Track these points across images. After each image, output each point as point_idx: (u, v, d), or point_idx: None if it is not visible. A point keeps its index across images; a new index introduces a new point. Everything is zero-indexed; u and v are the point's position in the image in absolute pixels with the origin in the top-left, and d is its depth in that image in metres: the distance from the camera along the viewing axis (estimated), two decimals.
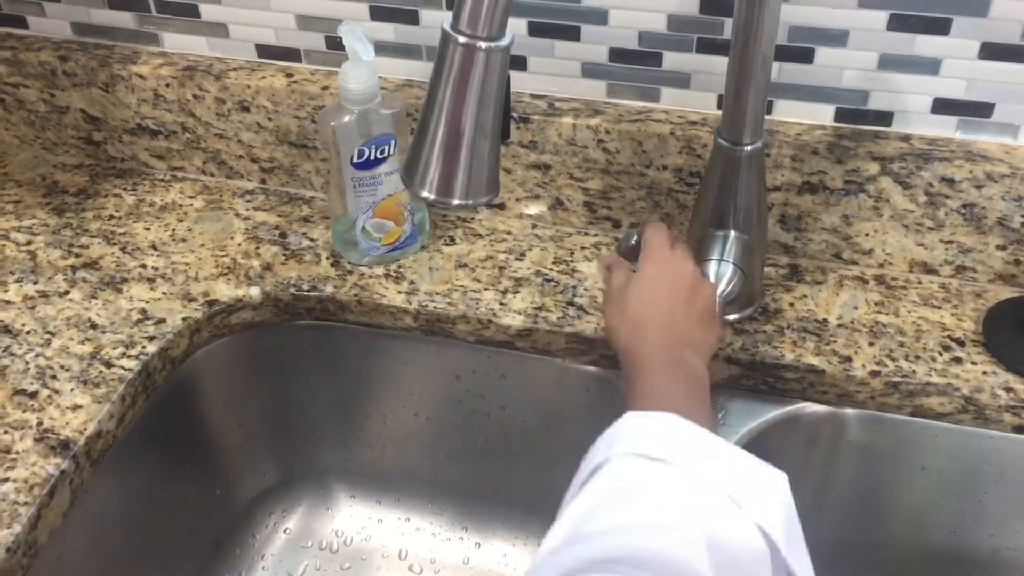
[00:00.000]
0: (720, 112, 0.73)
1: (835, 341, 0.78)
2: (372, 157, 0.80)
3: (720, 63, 0.80)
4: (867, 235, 0.83)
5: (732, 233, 0.74)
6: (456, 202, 0.57)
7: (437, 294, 0.83)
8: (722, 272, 0.73)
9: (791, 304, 0.82)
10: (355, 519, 0.97)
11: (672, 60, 0.81)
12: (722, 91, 0.74)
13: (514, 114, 0.84)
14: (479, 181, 0.57)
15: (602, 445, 0.57)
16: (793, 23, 0.77)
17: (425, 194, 0.56)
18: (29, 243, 0.90)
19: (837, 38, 0.77)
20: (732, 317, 0.80)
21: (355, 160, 0.80)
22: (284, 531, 0.96)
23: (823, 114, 0.81)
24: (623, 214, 0.87)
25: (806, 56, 0.78)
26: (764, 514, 0.52)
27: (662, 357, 0.63)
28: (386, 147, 0.80)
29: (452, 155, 0.55)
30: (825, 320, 0.80)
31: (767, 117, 0.82)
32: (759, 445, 0.77)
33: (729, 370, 0.78)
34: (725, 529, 0.50)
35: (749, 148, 0.71)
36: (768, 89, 0.70)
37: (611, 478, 0.54)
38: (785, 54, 0.78)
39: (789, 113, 0.82)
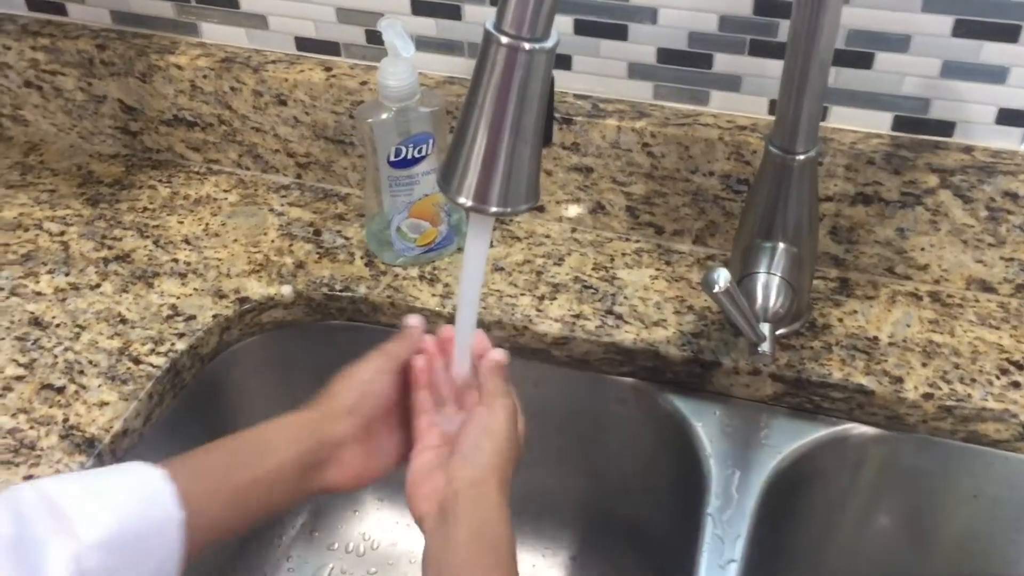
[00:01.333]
0: (772, 117, 0.70)
1: (886, 360, 0.75)
2: (409, 156, 0.77)
3: (773, 66, 0.77)
4: (923, 250, 0.80)
5: (781, 245, 0.71)
6: (494, 210, 0.54)
7: None
8: (769, 286, 0.70)
9: (840, 320, 0.78)
10: (383, 523, 0.95)
11: (723, 62, 0.78)
12: (774, 95, 0.71)
13: (557, 115, 0.81)
14: (518, 188, 0.54)
15: None
16: (852, 26, 0.73)
17: (462, 200, 0.54)
18: (62, 234, 0.89)
19: (898, 43, 0.73)
20: (778, 332, 0.76)
21: (392, 159, 0.77)
22: (311, 532, 0.94)
23: (881, 122, 0.77)
24: (667, 220, 0.85)
25: (865, 61, 0.75)
26: None
27: (504, 493, 0.61)
28: (424, 146, 0.77)
29: (491, 161, 0.53)
30: (876, 337, 0.77)
31: (821, 124, 0.78)
32: (802, 467, 0.74)
33: (773, 387, 0.75)
34: None
35: (802, 157, 0.68)
36: (824, 93, 0.66)
37: None
38: (843, 59, 0.75)
39: (845, 120, 0.78)
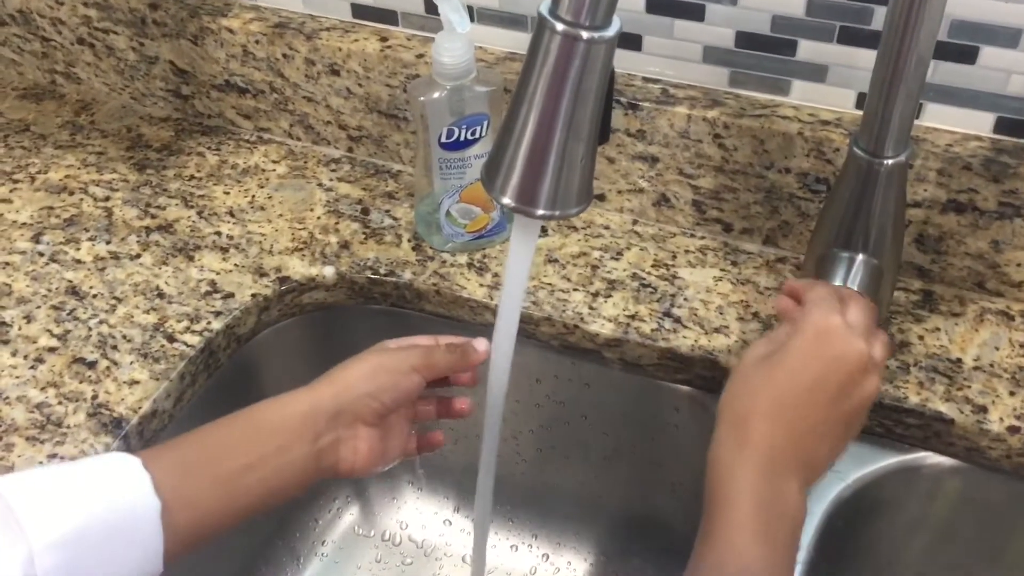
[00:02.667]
0: (858, 112, 0.63)
1: (969, 386, 0.68)
2: (462, 138, 0.73)
3: (864, 56, 0.70)
4: (1019, 265, 0.72)
5: (860, 256, 0.65)
6: (540, 212, 0.49)
7: None
8: None
9: (920, 337, 0.72)
10: (421, 514, 0.92)
11: (808, 49, 0.71)
12: (863, 87, 0.64)
13: (623, 99, 0.75)
14: (568, 190, 0.49)
15: None
16: (957, 16, 0.66)
17: (506, 200, 0.49)
18: (107, 199, 0.86)
19: (1007, 37, 0.66)
20: None
21: (443, 140, 0.73)
22: (347, 518, 0.92)
23: (981, 123, 0.70)
24: (735, 218, 0.78)
25: (968, 56, 0.67)
26: None
27: (760, 491, 0.51)
28: (478, 128, 0.73)
29: (539, 159, 0.48)
30: (959, 360, 0.70)
31: (914, 123, 0.71)
32: (868, 495, 0.68)
33: None
34: None
35: (890, 162, 0.61)
36: (920, 95, 0.60)
37: None
38: (943, 52, 0.67)
39: (941, 120, 0.71)
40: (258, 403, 0.58)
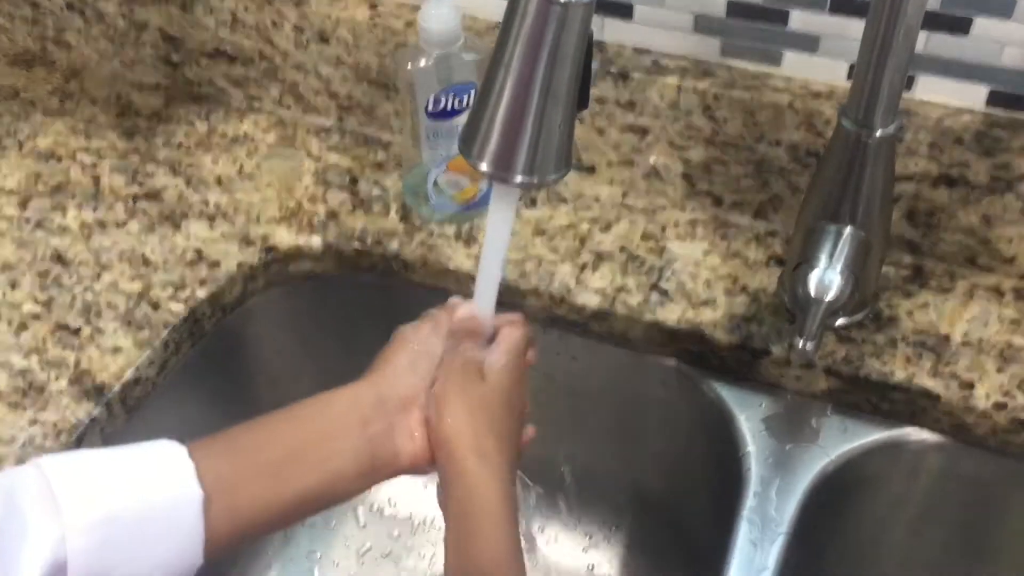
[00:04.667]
0: (850, 84, 0.62)
1: (956, 362, 0.68)
2: (450, 106, 0.72)
3: (857, 27, 0.68)
4: (1010, 241, 0.72)
5: (848, 229, 0.64)
6: (518, 179, 0.49)
7: (509, 262, 0.76)
8: (829, 278, 0.63)
9: (909, 313, 0.71)
10: (407, 487, 0.91)
11: (800, 19, 0.70)
12: (855, 59, 0.63)
13: (612, 69, 0.74)
14: (547, 156, 0.49)
15: None
16: None
17: (483, 167, 0.49)
18: (95, 166, 0.86)
19: (1000, 7, 0.64)
20: (838, 323, 0.70)
21: (431, 108, 0.72)
22: None
23: (974, 96, 0.69)
24: (725, 191, 0.78)
25: (961, 26, 0.66)
26: None
27: (511, 492, 0.53)
28: (466, 96, 0.72)
29: (516, 124, 0.47)
30: (947, 336, 0.70)
31: (905, 94, 0.70)
32: (852, 471, 0.68)
33: (827, 382, 0.69)
34: None
35: (879, 134, 0.61)
36: (909, 64, 0.59)
37: None
38: (936, 22, 0.66)
39: (933, 92, 0.70)
40: (298, 402, 0.56)
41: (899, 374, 0.67)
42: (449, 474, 0.53)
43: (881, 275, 0.71)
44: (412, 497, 0.91)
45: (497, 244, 0.54)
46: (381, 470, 0.55)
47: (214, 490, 0.49)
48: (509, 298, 0.75)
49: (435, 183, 0.76)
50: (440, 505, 0.54)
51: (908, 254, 0.75)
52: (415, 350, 0.57)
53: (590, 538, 0.88)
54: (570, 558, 0.87)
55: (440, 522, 0.89)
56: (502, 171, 0.48)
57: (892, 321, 0.71)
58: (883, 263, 0.70)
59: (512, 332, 0.58)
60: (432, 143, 0.74)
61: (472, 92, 0.72)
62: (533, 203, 0.81)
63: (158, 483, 0.48)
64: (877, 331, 0.70)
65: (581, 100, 0.48)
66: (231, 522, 0.50)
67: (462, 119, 0.72)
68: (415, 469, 0.56)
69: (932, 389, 0.66)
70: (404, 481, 0.91)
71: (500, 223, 0.53)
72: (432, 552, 0.89)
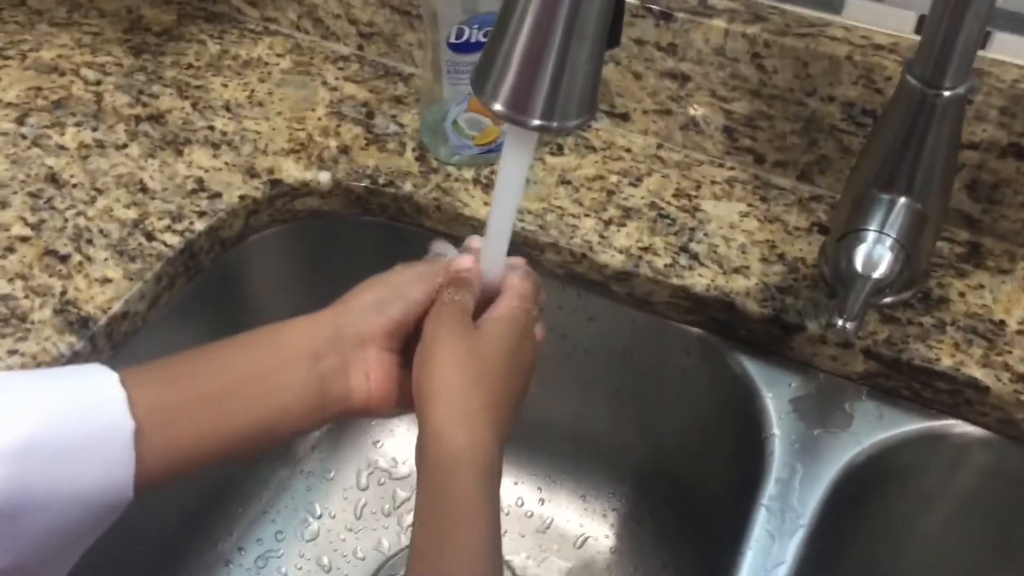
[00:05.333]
0: (918, 39, 0.56)
1: (1010, 352, 0.62)
2: (473, 39, 0.66)
3: None
4: None
5: (902, 200, 0.58)
6: (535, 122, 0.43)
7: (529, 212, 0.70)
8: (879, 253, 0.57)
9: (962, 294, 0.65)
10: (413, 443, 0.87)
11: None
12: (926, 10, 0.56)
13: (655, 7, 0.68)
14: (569, 98, 0.43)
15: None
16: None
17: (497, 107, 0.43)
18: (98, 83, 0.81)
19: None
20: (884, 300, 0.64)
21: (453, 40, 0.66)
22: (328, 437, 0.88)
23: None
24: (769, 148, 0.71)
25: None
26: None
27: (492, 473, 0.47)
28: (489, 30, 0.66)
29: (535, 60, 0.41)
30: (1002, 322, 0.64)
31: (978, 53, 0.63)
32: (885, 462, 0.62)
33: (865, 364, 0.63)
34: None
35: (948, 94, 0.54)
36: (989, 18, 0.52)
37: None
38: None
39: (1009, 51, 0.63)
40: (255, 329, 0.51)
41: (945, 360, 0.62)
42: (424, 438, 0.47)
43: (934, 251, 0.65)
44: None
45: (509, 194, 0.48)
46: (330, 408, 0.50)
47: (147, 422, 0.44)
48: (527, 251, 0.70)
49: (454, 122, 0.71)
50: (416, 463, 0.49)
51: (965, 229, 0.69)
52: (389, 289, 0.52)
53: (592, 508, 0.83)
54: (568, 526, 0.83)
55: None
56: (517, 112, 0.43)
57: (942, 302, 0.65)
58: (937, 238, 0.63)
59: (518, 282, 0.52)
60: (453, 78, 0.68)
61: None
62: (559, 149, 0.75)
63: (86, 412, 0.44)
64: (925, 312, 0.64)
65: (612, 37, 0.42)
66: (164, 456, 0.46)
67: None
68: (369, 411, 0.51)
69: (981, 379, 0.61)
70: (410, 437, 0.87)
71: (514, 171, 0.47)
72: None
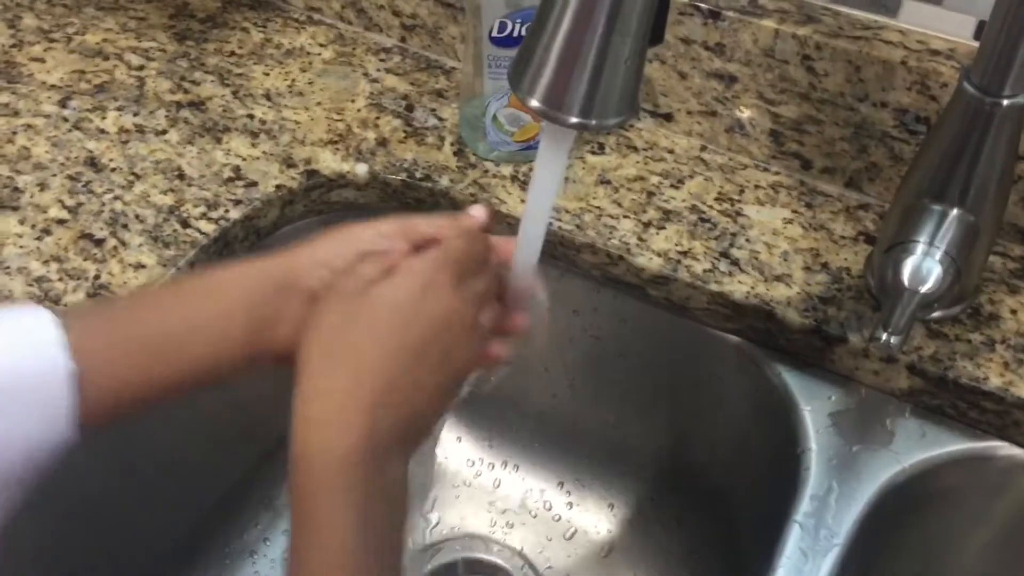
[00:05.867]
0: (976, 45, 0.53)
1: None
2: (516, 33, 0.65)
3: None
4: None
5: (954, 211, 0.56)
6: (573, 120, 0.42)
7: (567, 212, 0.69)
8: (928, 266, 0.54)
9: (1014, 311, 0.63)
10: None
11: None
12: (987, 16, 0.54)
13: (703, 4, 0.66)
14: (608, 96, 0.41)
15: None
16: None
17: (534, 103, 0.42)
18: (141, 68, 0.81)
19: None
20: (932, 315, 0.62)
21: (495, 34, 0.65)
22: None
23: None
24: (817, 154, 0.69)
25: None
26: None
27: (356, 472, 0.40)
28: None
29: (574, 55, 0.40)
30: None
31: None
32: (926, 483, 0.60)
33: (909, 381, 0.61)
34: None
35: (1007, 103, 0.52)
36: None
37: None
38: None
39: None
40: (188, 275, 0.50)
41: (994, 380, 0.59)
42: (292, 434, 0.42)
43: (986, 266, 0.62)
44: (443, 451, 0.86)
45: (544, 193, 0.47)
46: (262, 359, 0.47)
47: (87, 363, 0.44)
48: (564, 251, 0.69)
49: (494, 118, 0.69)
50: None
51: (1020, 244, 0.66)
52: (350, 243, 0.48)
53: (620, 513, 0.82)
54: (596, 530, 0.81)
55: (472, 481, 0.84)
56: (554, 109, 0.41)
57: (993, 319, 0.62)
58: (990, 252, 0.61)
59: (445, 235, 0.47)
60: (495, 73, 0.67)
61: None
62: (600, 148, 0.73)
63: (22, 352, 0.43)
64: (974, 329, 0.62)
65: (655, 34, 0.41)
66: (105, 399, 0.45)
67: None
68: (281, 359, 0.48)
69: None
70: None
71: (550, 169, 0.46)
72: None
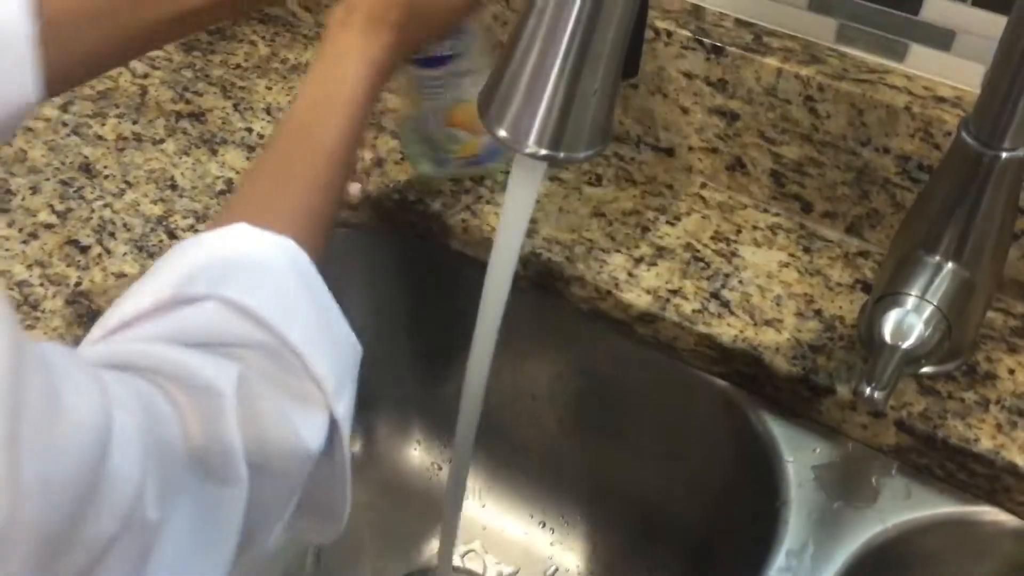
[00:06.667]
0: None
1: None
2: (436, 52, 0.63)
3: (1001, 24, 0.57)
4: None
5: (949, 265, 0.54)
6: (540, 152, 0.40)
7: (557, 243, 0.67)
8: (910, 321, 0.52)
9: (1011, 371, 0.60)
10: (421, 462, 0.85)
11: (936, 9, 0.59)
12: None
13: (705, 40, 0.65)
14: (578, 128, 0.40)
15: (204, 273, 0.41)
16: None
17: (501, 133, 0.41)
18: (145, 76, 0.81)
19: None
20: (925, 370, 0.59)
21: (417, 55, 0.62)
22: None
23: None
24: (817, 197, 0.67)
25: None
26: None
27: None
28: (456, 42, 0.62)
29: (541, 87, 0.39)
30: None
31: None
32: (908, 545, 0.58)
33: (897, 437, 0.59)
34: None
35: (1006, 156, 0.50)
36: None
37: (193, 321, 0.39)
38: None
39: None
40: None
41: (985, 442, 0.57)
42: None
43: (984, 322, 0.60)
44: (423, 474, 0.84)
45: (515, 225, 0.46)
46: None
47: (55, 23, 0.44)
48: (552, 282, 0.67)
49: (432, 138, 0.68)
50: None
51: (1022, 301, 0.64)
52: None
53: (609, 553, 0.79)
54: (576, 571, 0.79)
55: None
56: (521, 140, 0.40)
57: (988, 378, 0.60)
58: (988, 308, 0.59)
59: None
60: (427, 93, 0.65)
61: (464, 36, 0.62)
62: (598, 180, 0.72)
63: None
64: (968, 387, 0.60)
65: (628, 67, 0.40)
66: (74, 57, 0.46)
67: (452, 67, 0.63)
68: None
69: (1022, 466, 0.56)
70: (418, 455, 0.85)
71: (520, 200, 0.45)
72: None
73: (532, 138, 0.40)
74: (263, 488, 0.37)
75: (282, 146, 0.46)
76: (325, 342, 0.41)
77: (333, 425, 0.40)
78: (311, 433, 0.38)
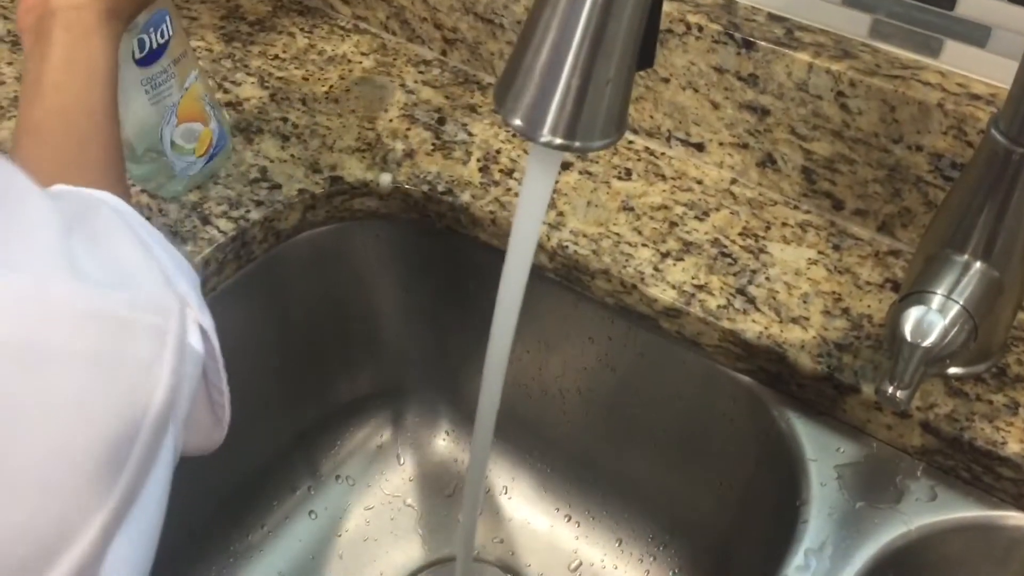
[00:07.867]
0: None
1: None
2: (155, 44, 0.61)
3: None
4: None
5: (976, 265, 0.53)
6: (556, 141, 0.41)
7: (584, 236, 0.67)
8: (931, 320, 0.51)
9: None
10: (449, 452, 0.86)
11: (971, 5, 0.59)
12: None
13: (736, 34, 0.64)
14: (592, 118, 0.40)
15: None
16: None
17: (516, 122, 0.41)
18: None
19: None
20: (952, 371, 0.59)
21: (138, 56, 0.61)
22: (376, 446, 0.87)
23: None
24: (848, 194, 0.67)
25: None
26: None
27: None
28: (163, 27, 0.61)
29: (555, 76, 0.39)
30: None
31: None
32: (931, 549, 0.57)
33: (923, 439, 0.58)
34: None
35: None
36: None
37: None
38: None
39: None
40: None
41: (1013, 445, 0.56)
42: None
43: (1015, 324, 0.59)
44: (448, 467, 0.85)
45: (531, 216, 0.46)
46: None
47: None
48: (578, 275, 0.67)
49: (173, 144, 0.66)
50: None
51: None
52: None
53: (633, 549, 0.79)
54: (602, 568, 0.79)
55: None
56: (535, 129, 0.40)
57: (1018, 381, 0.59)
58: (1019, 309, 0.58)
59: None
60: (153, 97, 0.63)
61: (167, 19, 0.61)
62: (627, 174, 0.72)
63: None
64: (997, 389, 0.59)
65: (644, 57, 0.40)
66: None
67: (171, 51, 0.62)
68: None
69: None
70: (446, 446, 0.85)
71: (536, 191, 0.45)
72: None
73: (547, 128, 0.40)
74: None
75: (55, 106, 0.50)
76: (180, 268, 0.46)
77: (204, 336, 0.43)
78: (195, 340, 0.42)
